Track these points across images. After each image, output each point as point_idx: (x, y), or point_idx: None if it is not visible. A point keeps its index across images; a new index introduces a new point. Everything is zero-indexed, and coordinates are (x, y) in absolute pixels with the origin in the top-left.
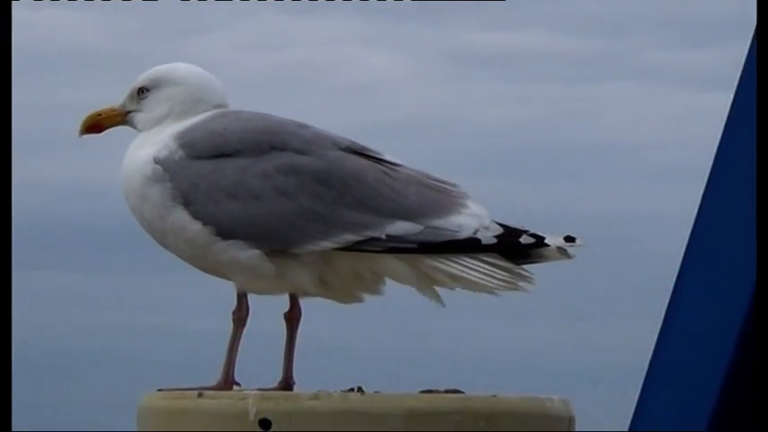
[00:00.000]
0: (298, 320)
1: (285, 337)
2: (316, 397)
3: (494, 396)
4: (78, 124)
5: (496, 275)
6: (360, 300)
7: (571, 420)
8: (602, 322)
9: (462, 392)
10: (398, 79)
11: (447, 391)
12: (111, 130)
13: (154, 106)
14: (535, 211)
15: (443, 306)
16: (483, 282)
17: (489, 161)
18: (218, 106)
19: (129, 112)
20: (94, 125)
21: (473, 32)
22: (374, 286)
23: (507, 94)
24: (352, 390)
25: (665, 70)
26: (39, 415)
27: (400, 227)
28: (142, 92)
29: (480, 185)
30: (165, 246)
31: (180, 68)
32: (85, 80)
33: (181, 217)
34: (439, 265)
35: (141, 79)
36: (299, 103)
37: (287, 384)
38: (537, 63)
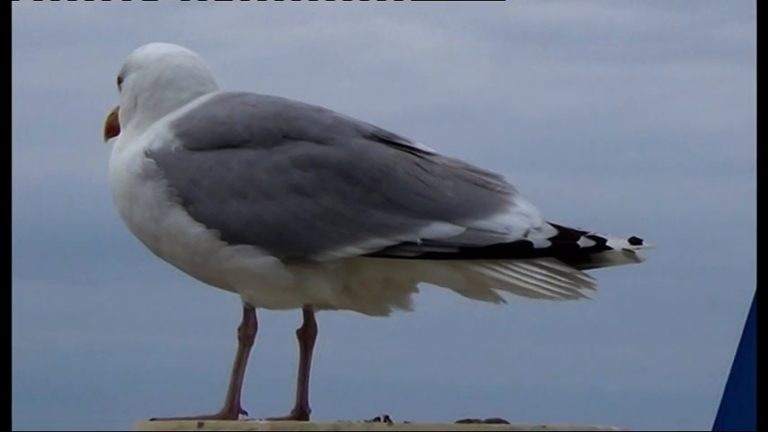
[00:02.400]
0: (313, 339)
1: (299, 357)
2: (335, 428)
3: (543, 426)
4: (100, 128)
5: (554, 281)
6: (385, 313)
7: None
8: (670, 340)
9: (506, 422)
10: (434, 59)
11: (488, 421)
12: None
13: (123, 97)
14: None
15: (505, 302)
16: (539, 290)
17: (539, 153)
18: (199, 93)
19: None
20: (113, 127)
21: (521, 4)
22: (405, 296)
23: (560, 75)
24: (377, 419)
25: (748, 46)
26: None
27: (437, 229)
28: (119, 82)
29: (529, 181)
30: (159, 253)
31: (145, 49)
32: (71, 60)
33: (179, 219)
34: (487, 270)
35: (118, 69)
36: (318, 86)
37: (301, 413)
38: (595, 40)
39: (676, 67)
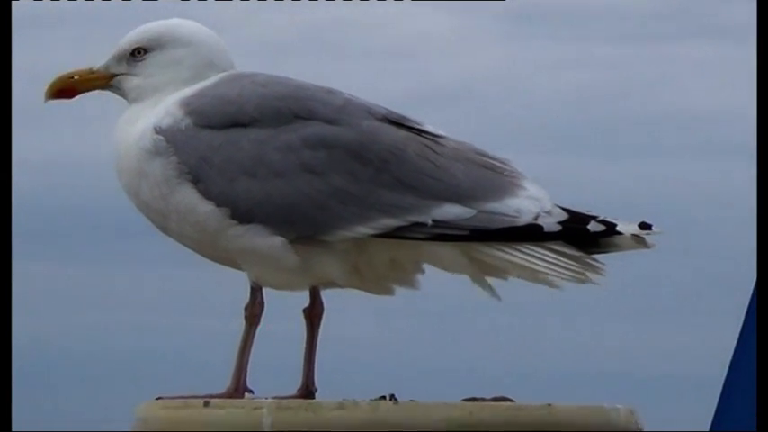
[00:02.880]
0: (320, 317)
1: (305, 336)
2: (341, 406)
3: (549, 405)
4: (45, 88)
5: (563, 265)
6: (390, 292)
7: None
8: (674, 321)
9: (512, 401)
10: (443, 39)
11: (494, 400)
12: (84, 95)
13: (155, 71)
14: (603, 191)
15: (499, 299)
16: (548, 272)
17: (549, 134)
18: (225, 71)
19: (116, 75)
20: (66, 89)
21: None
22: (411, 277)
23: (570, 56)
24: (383, 398)
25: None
26: (28, 420)
27: (449, 211)
28: (138, 53)
29: (539, 162)
30: (165, 230)
31: (185, 26)
32: (60, 40)
33: (189, 196)
34: (497, 252)
35: (136, 38)
36: (327, 68)
37: (307, 391)
38: (606, 19)
39: (687, 46)
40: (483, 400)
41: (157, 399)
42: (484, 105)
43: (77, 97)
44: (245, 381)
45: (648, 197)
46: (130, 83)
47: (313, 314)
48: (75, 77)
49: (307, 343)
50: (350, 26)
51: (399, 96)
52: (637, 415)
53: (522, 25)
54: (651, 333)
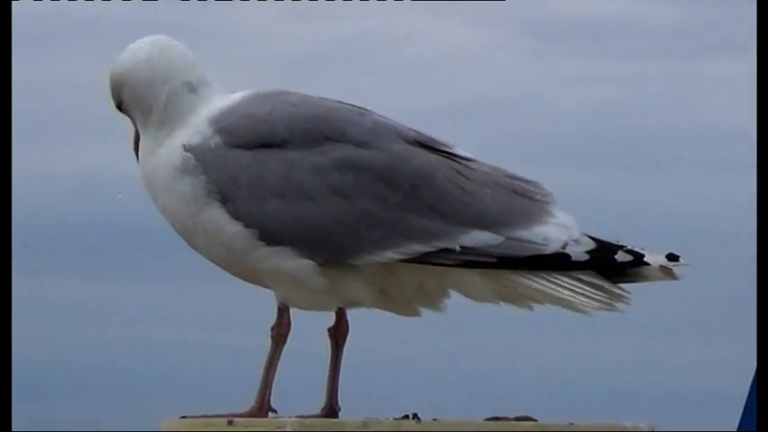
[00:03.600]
0: (344, 337)
1: (330, 356)
2: (365, 425)
3: (571, 424)
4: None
5: (591, 295)
6: (416, 314)
7: None
8: (697, 339)
9: (535, 420)
10: (469, 55)
11: (517, 419)
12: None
13: (140, 117)
14: (629, 207)
15: (531, 309)
16: (575, 301)
17: (576, 149)
18: (187, 83)
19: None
20: None
21: (557, 0)
22: (438, 301)
23: (598, 72)
24: (406, 417)
25: None
26: None
27: (477, 237)
28: (121, 108)
29: (566, 177)
30: (194, 247)
31: (119, 66)
32: (95, 53)
33: (217, 216)
34: (524, 280)
35: (110, 95)
36: (354, 82)
37: (331, 410)
38: (632, 35)
39: (711, 62)
40: (506, 419)
41: (182, 417)
42: (509, 120)
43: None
44: (269, 400)
45: (671, 212)
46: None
47: (338, 334)
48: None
49: (331, 362)
50: (378, 40)
51: (426, 111)
52: None
53: (550, 41)
54: (673, 349)
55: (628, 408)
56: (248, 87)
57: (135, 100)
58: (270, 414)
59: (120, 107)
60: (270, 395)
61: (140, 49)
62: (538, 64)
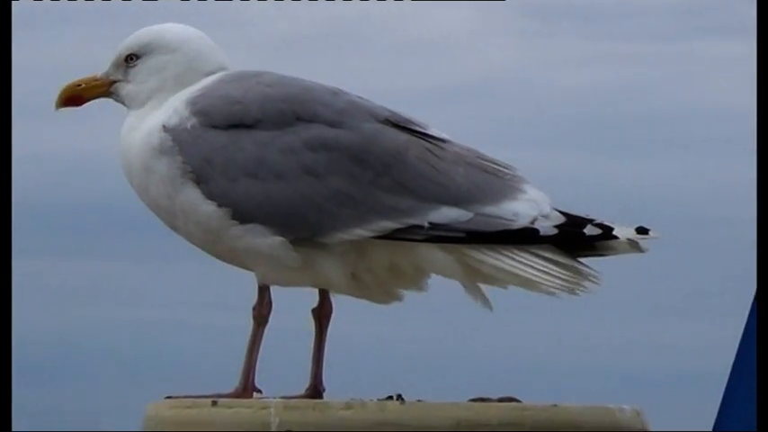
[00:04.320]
0: (328, 318)
1: (314, 336)
2: (348, 406)
3: (554, 405)
4: (55, 95)
5: (555, 273)
6: (398, 298)
7: None
8: (681, 320)
9: (519, 401)
10: (461, 35)
11: (501, 400)
12: (92, 102)
13: (145, 77)
14: (621, 190)
15: (491, 309)
16: (539, 280)
17: (568, 132)
18: (206, 74)
19: (115, 81)
20: (73, 97)
21: None
22: (415, 281)
23: (590, 53)
24: (390, 398)
25: None
26: (34, 419)
27: (446, 213)
28: (131, 59)
29: (558, 159)
30: (175, 228)
31: (171, 30)
32: (84, 38)
33: (192, 196)
34: (488, 258)
35: (128, 44)
36: (346, 63)
37: (315, 391)
38: (626, 16)
39: (707, 44)
40: (489, 400)
41: (166, 398)
42: (504, 102)
43: (86, 104)
44: (253, 380)
45: (668, 194)
46: (124, 89)
47: (322, 314)
48: (82, 85)
49: (315, 343)
50: (371, 22)
51: (421, 92)
52: (643, 415)
53: (544, 22)
54: (656, 331)
55: (612, 389)
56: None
57: (154, 67)
58: (254, 394)
59: (125, 60)
60: (254, 376)
61: (187, 28)
62: (532, 45)
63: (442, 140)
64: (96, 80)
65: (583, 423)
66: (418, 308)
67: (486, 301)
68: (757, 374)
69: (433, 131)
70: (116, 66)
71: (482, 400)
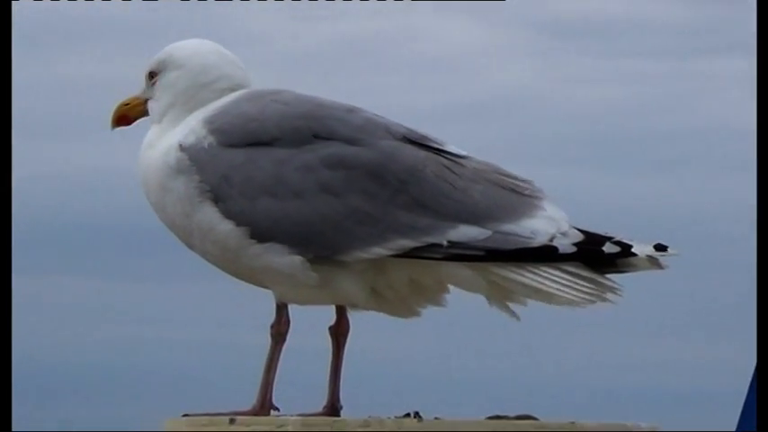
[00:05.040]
0: (345, 335)
1: (331, 354)
2: (366, 424)
3: (572, 423)
4: (108, 116)
5: (578, 287)
6: (417, 314)
7: None
8: (697, 338)
9: (536, 419)
10: (475, 54)
11: (518, 418)
12: (140, 120)
13: (161, 93)
14: (635, 207)
15: (518, 319)
16: (563, 294)
17: (582, 149)
18: (233, 90)
19: (147, 99)
20: (122, 117)
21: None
22: (435, 297)
23: (604, 70)
24: (408, 415)
25: None
26: None
27: (464, 232)
28: (152, 76)
29: (571, 177)
30: (191, 246)
31: (184, 47)
32: (103, 53)
33: (209, 215)
34: (511, 274)
35: (150, 61)
36: (360, 81)
37: (333, 409)
38: (639, 34)
39: (720, 62)
40: (507, 418)
41: (184, 416)
42: (515, 118)
43: (136, 123)
44: (270, 398)
45: (681, 212)
46: (150, 107)
47: (339, 332)
48: (128, 105)
49: (332, 361)
50: (387, 39)
51: (434, 110)
52: None
53: (557, 40)
54: (674, 349)
55: (629, 407)
56: (254, 87)
57: (166, 83)
58: (272, 412)
59: (148, 77)
60: (271, 393)
61: (202, 44)
62: (543, 63)
63: (460, 157)
64: (137, 99)
65: None
66: (436, 325)
67: (511, 313)
68: (758, 374)
69: (450, 148)
70: (145, 84)
71: (499, 417)
